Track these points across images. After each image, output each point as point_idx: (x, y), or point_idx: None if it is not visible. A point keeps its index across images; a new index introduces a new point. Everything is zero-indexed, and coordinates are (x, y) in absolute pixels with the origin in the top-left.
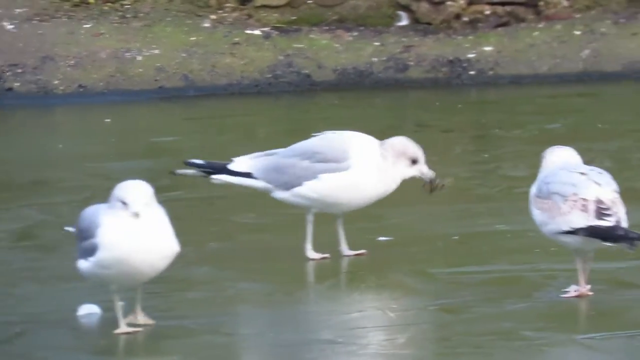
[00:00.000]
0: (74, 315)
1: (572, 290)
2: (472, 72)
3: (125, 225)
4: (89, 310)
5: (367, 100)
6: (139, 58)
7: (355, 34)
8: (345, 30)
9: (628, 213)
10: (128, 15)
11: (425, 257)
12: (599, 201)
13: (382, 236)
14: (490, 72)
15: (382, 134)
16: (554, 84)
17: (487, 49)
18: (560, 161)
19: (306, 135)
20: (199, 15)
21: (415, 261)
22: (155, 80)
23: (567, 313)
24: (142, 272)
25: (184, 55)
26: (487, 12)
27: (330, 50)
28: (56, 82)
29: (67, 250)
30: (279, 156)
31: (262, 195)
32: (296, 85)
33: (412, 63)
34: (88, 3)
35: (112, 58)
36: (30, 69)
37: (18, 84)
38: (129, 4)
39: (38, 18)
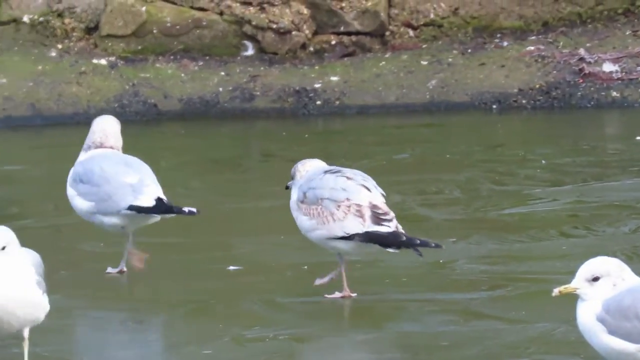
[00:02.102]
0: None
1: (337, 294)
2: (318, 102)
3: None
4: None
5: (214, 129)
6: None
7: (201, 63)
8: (190, 59)
9: (478, 243)
10: None
11: (274, 287)
12: (375, 206)
13: (232, 265)
14: (337, 102)
15: (228, 163)
16: (401, 114)
17: (334, 79)
18: (316, 169)
19: (153, 164)
20: (46, 45)
21: (265, 290)
22: (3, 109)
23: (419, 344)
24: (0, 319)
25: (31, 84)
26: (333, 42)
27: (176, 80)
28: None
29: None
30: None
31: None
32: (142, 115)
33: (258, 93)
34: None
35: None
36: None
37: None
38: None
39: None
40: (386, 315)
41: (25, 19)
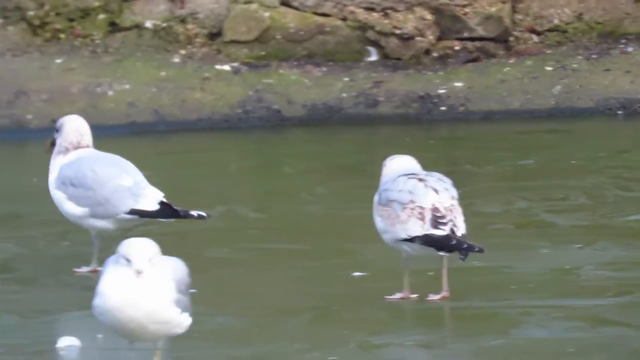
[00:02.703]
0: (53, 347)
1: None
2: (442, 108)
3: (122, 279)
4: (68, 343)
5: (337, 135)
6: (110, 93)
7: (325, 69)
8: (314, 65)
9: (604, 249)
10: (99, 50)
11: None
12: (435, 209)
13: (357, 271)
14: (461, 108)
15: (353, 169)
16: (525, 120)
17: (458, 84)
18: (400, 168)
19: (277, 170)
20: (169, 51)
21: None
22: (127, 115)
23: (545, 350)
24: (130, 329)
25: (154, 90)
26: (457, 48)
27: (299, 86)
28: (29, 116)
29: (45, 284)
30: None
31: (235, 229)
32: (266, 121)
33: (382, 99)
34: (60, 38)
35: (83, 93)
36: (4, 103)
37: None
38: (99, 39)
39: (11, 53)
40: (512, 321)
41: (148, 24)
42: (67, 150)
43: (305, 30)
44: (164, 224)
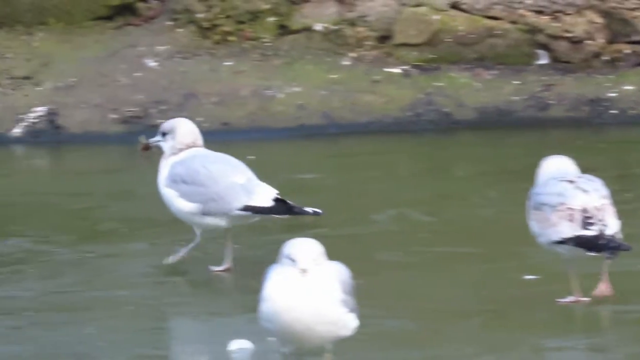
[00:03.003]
0: (226, 350)
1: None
2: (613, 111)
3: (288, 281)
4: (240, 345)
5: (507, 138)
6: (280, 95)
7: (495, 72)
8: (484, 68)
9: None
10: (268, 53)
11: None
12: (584, 210)
13: (527, 274)
14: (632, 112)
15: (523, 173)
16: None
17: (628, 88)
18: (554, 169)
19: (448, 173)
20: (339, 53)
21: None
22: (297, 117)
23: None
24: (298, 333)
25: (324, 92)
26: (627, 52)
27: (469, 89)
28: (200, 119)
29: (217, 286)
30: None
31: (406, 232)
32: (436, 124)
33: (553, 102)
34: (229, 41)
35: (253, 95)
36: (174, 106)
37: (162, 121)
38: (269, 42)
39: (180, 55)
40: None
41: (318, 27)
42: (180, 150)
43: (475, 33)
44: (334, 228)
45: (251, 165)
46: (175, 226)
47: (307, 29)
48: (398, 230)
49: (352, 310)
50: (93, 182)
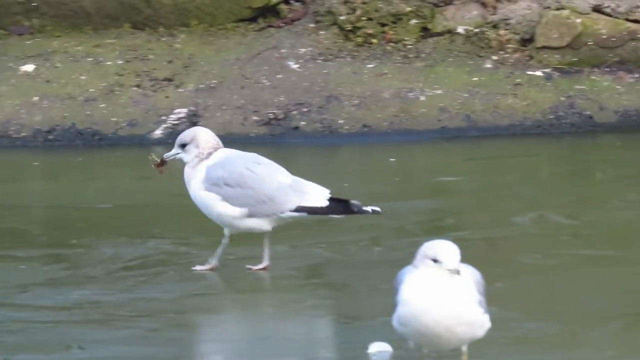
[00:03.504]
0: (365, 353)
1: None
2: None
3: (426, 282)
4: (379, 348)
5: None
6: (422, 98)
7: (637, 75)
8: (626, 71)
9: None
10: (410, 56)
11: None
12: None
13: None
14: None
15: None
16: None
17: None
18: None
19: (589, 177)
20: (481, 56)
21: None
22: (438, 120)
23: None
24: (437, 334)
25: (466, 95)
26: None
27: (611, 92)
28: (341, 121)
29: (356, 289)
30: None
31: (547, 235)
32: (578, 127)
33: None
34: (371, 43)
35: (395, 98)
36: (315, 108)
37: (304, 122)
38: (411, 44)
39: (322, 58)
40: None
41: (460, 30)
42: (209, 154)
43: (617, 36)
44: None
45: (392, 167)
46: (317, 228)
47: (450, 32)
48: (538, 233)
49: (485, 311)
50: None
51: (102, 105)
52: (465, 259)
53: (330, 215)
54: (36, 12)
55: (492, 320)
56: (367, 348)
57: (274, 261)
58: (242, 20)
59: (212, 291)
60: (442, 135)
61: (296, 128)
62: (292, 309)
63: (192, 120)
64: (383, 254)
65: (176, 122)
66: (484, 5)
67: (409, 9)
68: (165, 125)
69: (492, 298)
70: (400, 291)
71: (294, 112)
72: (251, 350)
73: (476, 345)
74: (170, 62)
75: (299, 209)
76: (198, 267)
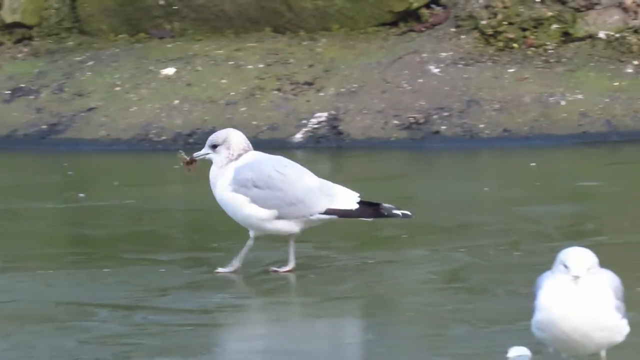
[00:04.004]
0: (504, 357)
1: None
2: None
3: (562, 289)
4: (519, 353)
5: None
6: (563, 103)
7: None
8: None
9: None
10: (551, 60)
11: None
12: None
13: None
14: None
15: None
16: None
17: None
18: None
19: None
20: (622, 61)
21: None
22: (579, 125)
23: None
24: (575, 340)
25: (607, 100)
26: None
27: None
28: (481, 125)
29: (495, 293)
30: None
31: None
32: None
33: None
34: (512, 48)
35: (535, 102)
36: (456, 112)
37: (444, 127)
38: (552, 49)
39: (463, 62)
40: None
41: (601, 34)
42: (239, 156)
43: None
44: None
45: (532, 172)
46: (457, 232)
47: (591, 37)
48: None
49: (624, 316)
50: (373, 188)
51: (243, 109)
52: (604, 264)
53: (360, 218)
54: (177, 15)
55: (632, 325)
56: (506, 352)
57: (413, 265)
58: (383, 24)
59: (352, 294)
60: (582, 140)
61: (437, 132)
62: (432, 313)
63: (333, 124)
64: (522, 258)
65: (316, 126)
66: (625, 10)
67: (550, 13)
68: (306, 129)
69: (632, 303)
70: (538, 297)
71: (435, 117)
72: (389, 352)
73: (615, 350)
74: (311, 66)
75: (329, 212)
76: (220, 270)
